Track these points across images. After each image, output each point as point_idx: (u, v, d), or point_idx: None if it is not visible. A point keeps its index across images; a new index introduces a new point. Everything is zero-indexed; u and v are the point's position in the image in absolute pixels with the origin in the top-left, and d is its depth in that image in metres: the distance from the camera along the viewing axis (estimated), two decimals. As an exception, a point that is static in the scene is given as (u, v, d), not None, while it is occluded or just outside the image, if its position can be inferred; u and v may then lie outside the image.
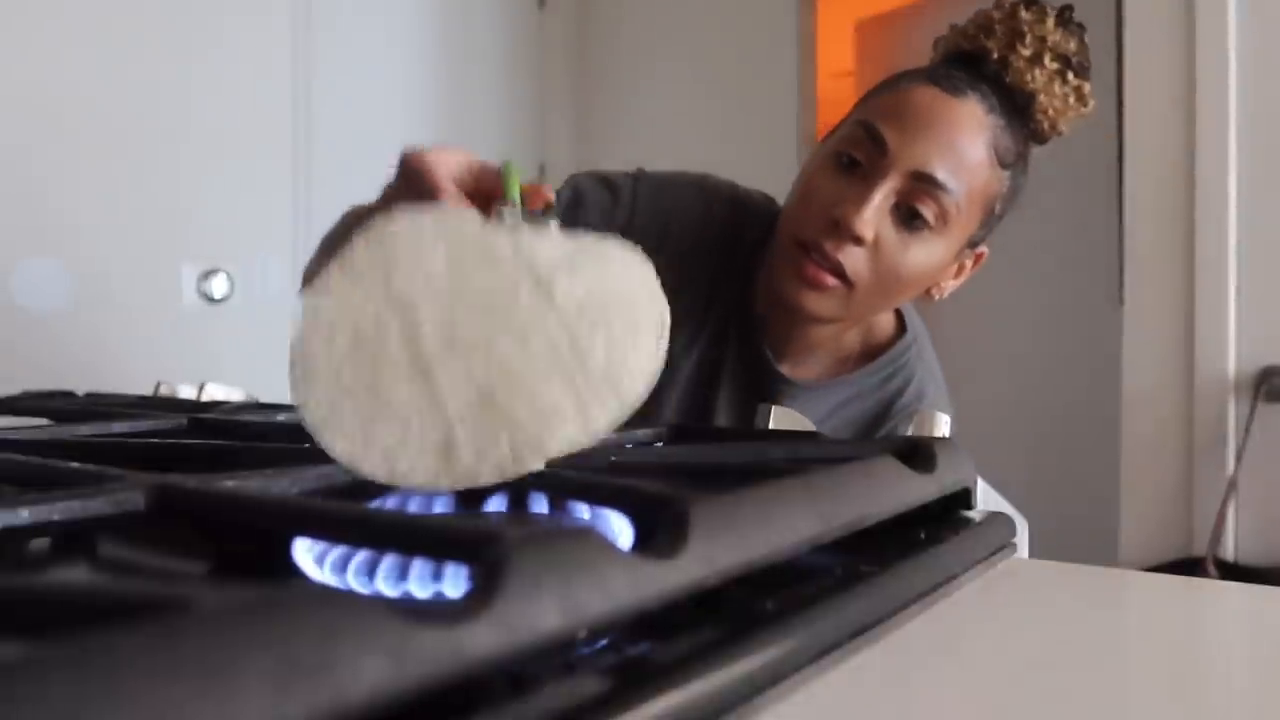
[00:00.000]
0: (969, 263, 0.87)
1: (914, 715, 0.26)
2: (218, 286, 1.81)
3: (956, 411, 0.83)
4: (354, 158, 2.02)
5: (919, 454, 0.40)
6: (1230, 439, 1.67)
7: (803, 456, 0.42)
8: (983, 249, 0.87)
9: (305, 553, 0.29)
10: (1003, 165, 0.80)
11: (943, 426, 0.70)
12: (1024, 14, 0.79)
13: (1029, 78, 0.79)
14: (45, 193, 1.60)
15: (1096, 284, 2.00)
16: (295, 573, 0.29)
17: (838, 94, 2.18)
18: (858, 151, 0.78)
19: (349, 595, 0.18)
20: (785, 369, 0.89)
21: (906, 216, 0.77)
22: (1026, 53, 0.78)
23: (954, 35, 0.83)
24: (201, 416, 0.51)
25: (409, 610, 0.18)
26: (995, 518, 0.43)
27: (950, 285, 0.87)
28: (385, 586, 0.27)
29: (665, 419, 0.89)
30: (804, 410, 0.88)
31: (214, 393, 0.74)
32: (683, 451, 0.41)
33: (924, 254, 0.79)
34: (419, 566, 0.27)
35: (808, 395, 0.89)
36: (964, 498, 0.43)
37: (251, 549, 0.33)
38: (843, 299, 0.80)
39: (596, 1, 2.60)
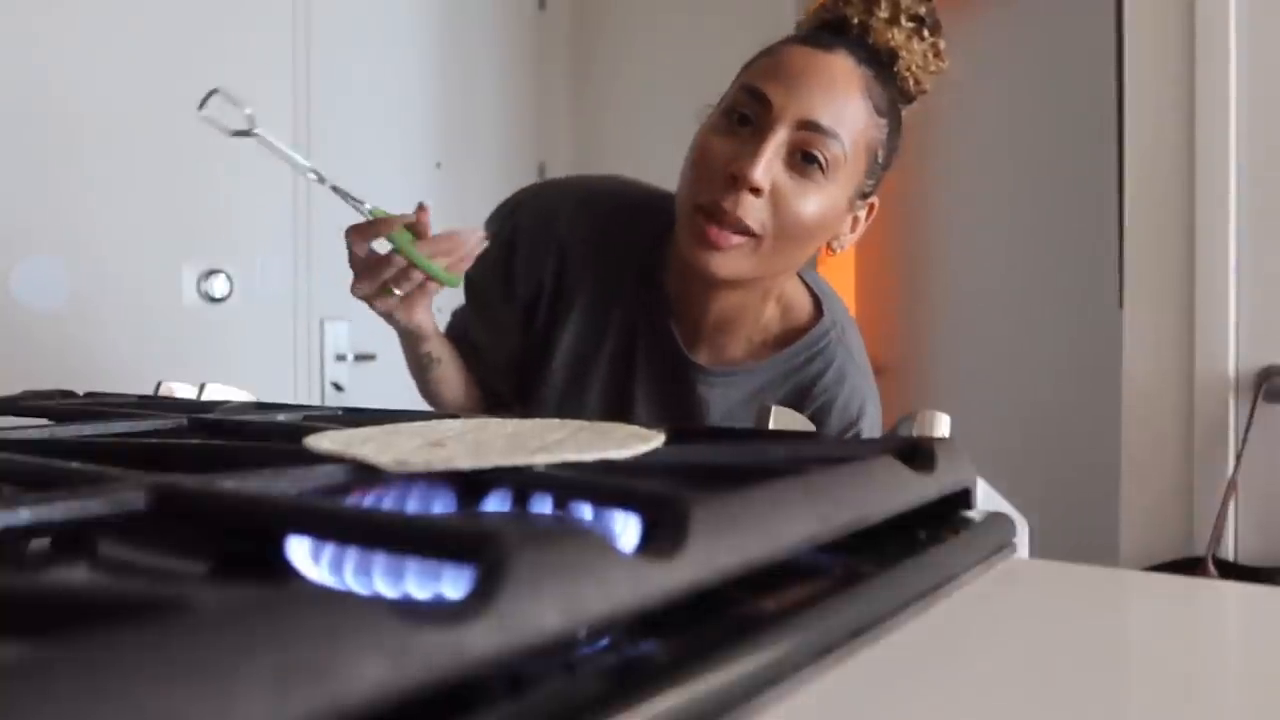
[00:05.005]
0: (863, 215, 0.90)
1: (914, 715, 0.26)
2: (218, 286, 1.81)
3: (955, 412, 0.82)
4: (354, 158, 2.02)
5: (919, 454, 0.40)
6: (1230, 439, 1.67)
7: (803, 456, 0.42)
8: (874, 200, 0.90)
9: (304, 553, 0.29)
10: (879, 113, 0.84)
11: (943, 426, 0.70)
12: None
13: (889, 36, 0.84)
14: (46, 193, 1.60)
15: (1096, 284, 2.00)
16: (295, 573, 0.29)
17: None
18: (745, 111, 0.82)
19: (349, 596, 0.18)
20: (702, 357, 0.92)
21: (799, 164, 0.81)
22: (884, 14, 0.84)
23: (815, 11, 0.89)
24: (201, 416, 0.51)
25: (409, 610, 0.18)
26: (995, 518, 0.43)
27: (849, 238, 0.90)
28: (384, 587, 0.27)
29: (589, 414, 0.90)
30: (722, 395, 0.90)
31: (214, 393, 0.74)
32: (683, 451, 0.41)
33: (819, 201, 0.82)
34: (418, 566, 0.27)
35: (724, 381, 0.91)
36: (964, 498, 0.43)
37: (251, 549, 0.33)
38: (750, 253, 0.82)
39: (596, 3, 2.60)
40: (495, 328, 0.97)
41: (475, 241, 0.82)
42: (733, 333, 0.92)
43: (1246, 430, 1.63)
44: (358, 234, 0.81)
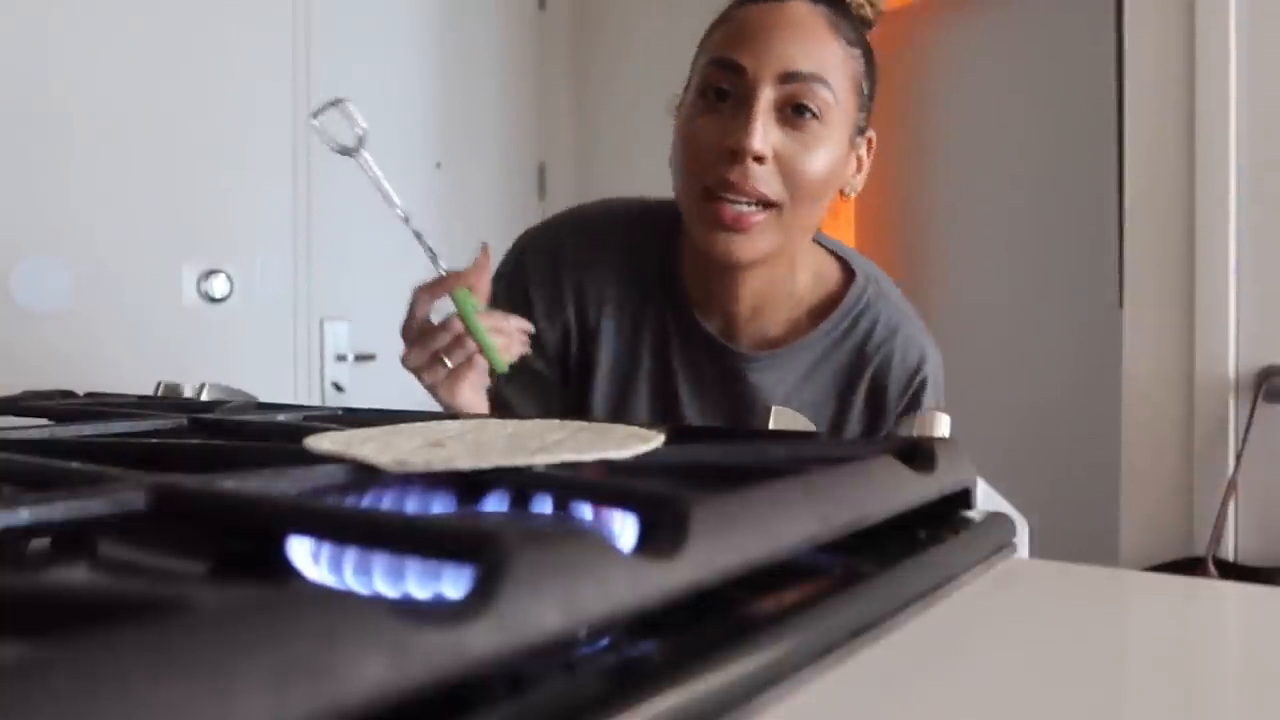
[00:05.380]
0: (864, 152, 0.88)
1: (914, 715, 0.26)
2: (218, 286, 1.81)
3: (955, 412, 0.82)
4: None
5: (919, 454, 0.40)
6: (1230, 439, 1.67)
7: (803, 456, 0.42)
8: (870, 134, 0.88)
9: (304, 553, 0.29)
10: (851, 44, 0.82)
11: (943, 426, 0.70)
12: None
13: None
14: (45, 193, 1.60)
15: (1096, 284, 2.00)
16: (295, 573, 0.29)
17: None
18: (720, 85, 0.80)
19: (349, 595, 0.18)
20: (745, 344, 0.89)
21: (792, 118, 0.79)
22: None
23: None
24: (201, 416, 0.51)
25: (409, 610, 0.18)
26: (995, 518, 0.43)
27: (859, 180, 0.88)
28: (384, 587, 0.27)
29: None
30: (777, 378, 0.88)
31: (214, 393, 0.74)
32: (683, 451, 0.41)
33: (822, 151, 0.80)
34: (418, 566, 0.27)
35: (774, 363, 0.89)
36: (964, 498, 0.43)
37: (251, 549, 0.33)
38: (773, 226, 0.80)
39: (596, 3, 2.59)
40: (531, 387, 0.93)
41: (522, 336, 0.80)
42: (770, 313, 0.89)
43: (1246, 430, 1.63)
44: (425, 291, 0.78)
